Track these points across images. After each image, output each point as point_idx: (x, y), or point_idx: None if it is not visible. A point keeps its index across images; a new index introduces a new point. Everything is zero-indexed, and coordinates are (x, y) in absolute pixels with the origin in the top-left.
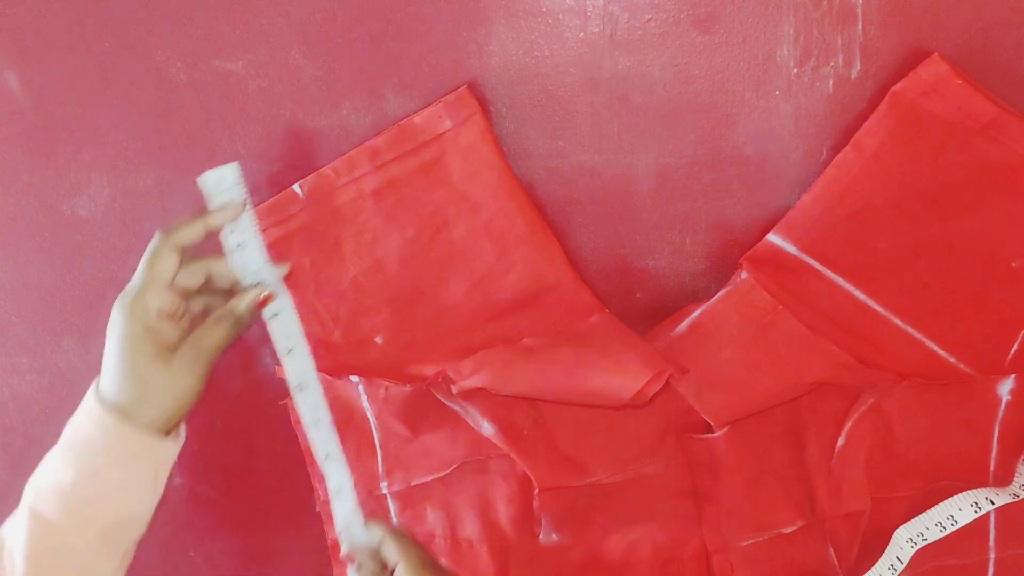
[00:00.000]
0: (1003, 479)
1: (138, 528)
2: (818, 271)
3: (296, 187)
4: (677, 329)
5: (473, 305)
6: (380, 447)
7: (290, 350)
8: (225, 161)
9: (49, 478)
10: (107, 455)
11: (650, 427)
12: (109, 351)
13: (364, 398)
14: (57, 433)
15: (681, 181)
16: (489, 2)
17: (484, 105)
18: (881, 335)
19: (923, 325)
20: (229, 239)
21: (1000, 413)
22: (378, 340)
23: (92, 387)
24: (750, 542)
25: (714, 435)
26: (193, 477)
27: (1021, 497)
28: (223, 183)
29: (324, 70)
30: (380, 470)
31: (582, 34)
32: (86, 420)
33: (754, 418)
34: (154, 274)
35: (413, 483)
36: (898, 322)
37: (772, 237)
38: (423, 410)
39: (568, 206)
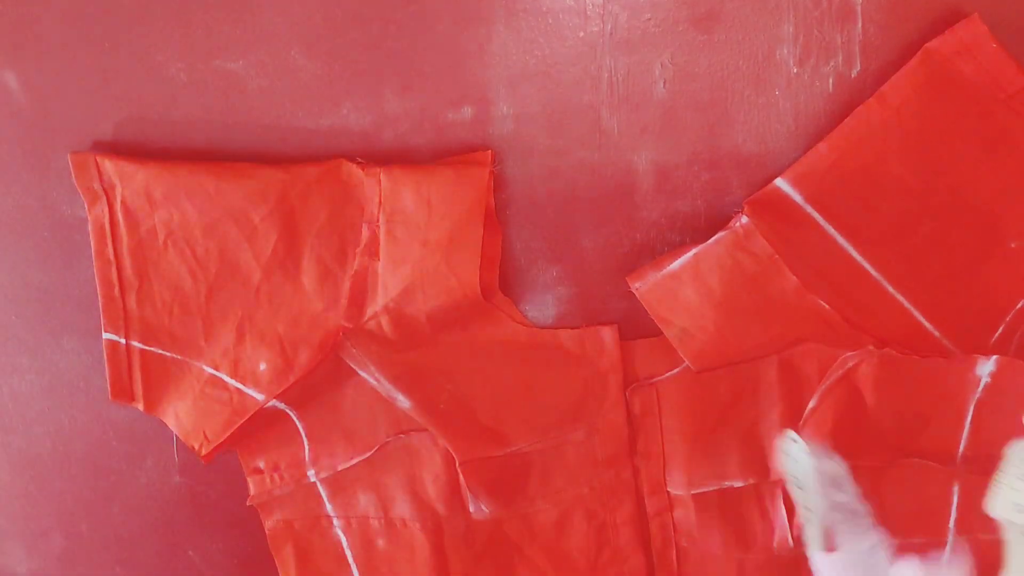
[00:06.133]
0: (972, 460)
1: None
2: (819, 224)
3: None
4: (669, 267)
5: None
6: (305, 435)
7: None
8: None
9: None
10: None
11: (569, 394)
12: None
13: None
14: (58, 432)
15: (681, 180)
16: (489, 2)
17: (483, 105)
18: (869, 299)
19: (913, 294)
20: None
21: (977, 394)
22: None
23: None
24: (699, 491)
25: (662, 377)
26: (193, 477)
27: None
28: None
29: (324, 70)
30: (307, 458)
31: (582, 33)
32: None
33: (723, 371)
34: None
35: (340, 468)
36: (889, 288)
37: (779, 182)
38: (339, 379)
39: (568, 206)
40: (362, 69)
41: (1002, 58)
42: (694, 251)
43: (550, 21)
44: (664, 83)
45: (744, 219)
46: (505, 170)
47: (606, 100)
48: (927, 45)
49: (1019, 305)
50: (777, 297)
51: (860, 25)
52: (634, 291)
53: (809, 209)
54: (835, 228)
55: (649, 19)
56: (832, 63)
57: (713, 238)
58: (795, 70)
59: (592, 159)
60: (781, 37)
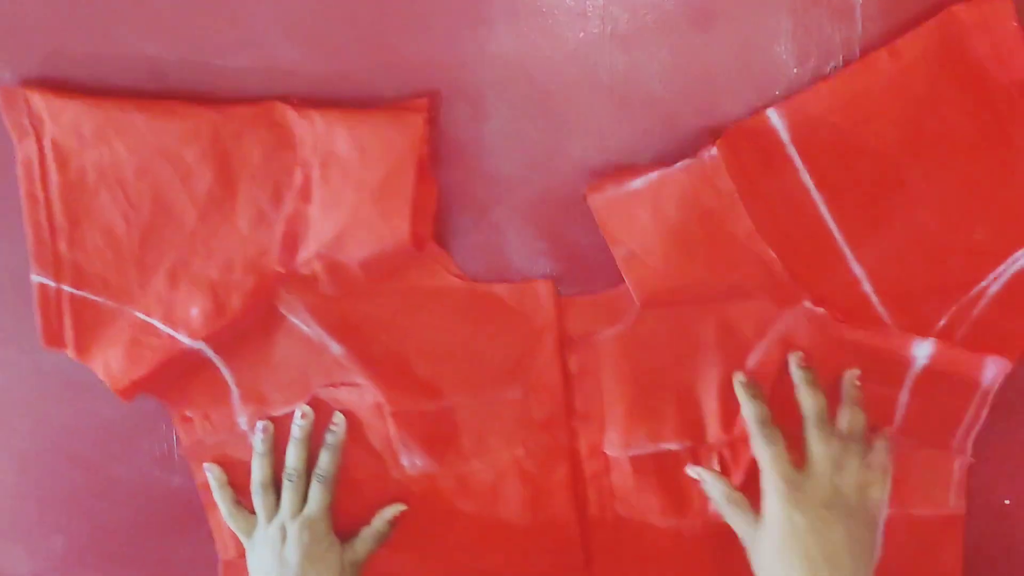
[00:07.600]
0: (908, 432)
1: None
2: (796, 168)
3: None
4: (630, 184)
5: None
6: (234, 383)
7: None
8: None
9: None
10: None
11: (505, 349)
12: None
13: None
14: (57, 432)
15: None
16: (489, 2)
17: (483, 104)
18: (821, 257)
19: (868, 262)
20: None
21: (911, 375)
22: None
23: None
24: (635, 452)
25: (601, 336)
26: (192, 477)
27: None
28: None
29: (324, 70)
30: (236, 405)
31: (582, 33)
32: None
33: (662, 331)
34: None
35: (272, 415)
36: (847, 252)
37: (771, 112)
38: (271, 326)
39: (568, 206)
40: (362, 69)
41: (1018, 39)
42: (658, 173)
43: (550, 22)
44: (664, 84)
45: (713, 151)
46: (504, 169)
47: (606, 101)
48: (951, 8)
49: (969, 294)
50: (728, 236)
51: (859, 25)
52: (588, 203)
53: (791, 149)
54: (811, 176)
55: (648, 19)
56: (831, 63)
57: (679, 164)
58: (795, 70)
59: (592, 161)
60: (780, 38)
